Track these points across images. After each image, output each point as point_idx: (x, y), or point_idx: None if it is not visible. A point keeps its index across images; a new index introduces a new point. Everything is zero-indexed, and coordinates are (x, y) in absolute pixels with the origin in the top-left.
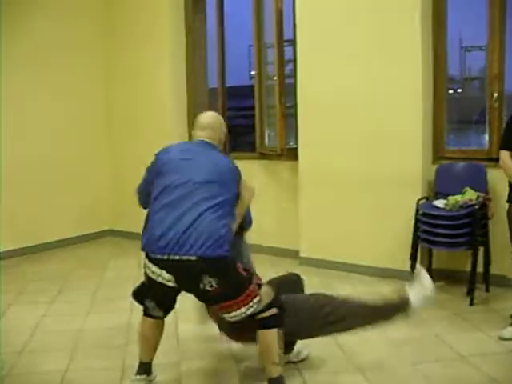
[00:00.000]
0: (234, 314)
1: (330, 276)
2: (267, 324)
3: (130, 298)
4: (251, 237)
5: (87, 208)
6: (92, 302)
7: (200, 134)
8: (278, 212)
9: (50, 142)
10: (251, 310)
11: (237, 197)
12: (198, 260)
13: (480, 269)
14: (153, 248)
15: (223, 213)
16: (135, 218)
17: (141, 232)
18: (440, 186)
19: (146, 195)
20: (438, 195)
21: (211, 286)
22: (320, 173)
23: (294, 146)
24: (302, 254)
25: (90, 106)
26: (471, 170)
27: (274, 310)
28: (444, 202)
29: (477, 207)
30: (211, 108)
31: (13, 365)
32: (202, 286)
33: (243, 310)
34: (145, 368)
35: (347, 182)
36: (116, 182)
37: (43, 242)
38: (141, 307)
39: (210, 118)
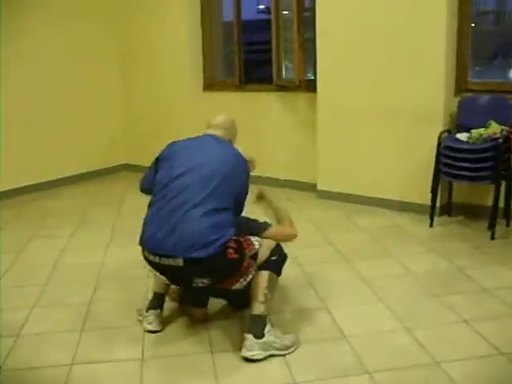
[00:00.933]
0: (234, 288)
1: (349, 209)
2: (262, 267)
3: None
4: (268, 169)
5: (102, 143)
6: (111, 236)
7: (210, 132)
8: (296, 145)
9: (65, 76)
10: (250, 276)
11: (244, 188)
12: (186, 263)
13: (501, 203)
14: (145, 247)
15: (217, 207)
16: (150, 152)
17: None
18: (462, 119)
19: (146, 182)
20: (460, 128)
21: (203, 282)
22: (339, 104)
23: (312, 77)
24: (319, 187)
25: (103, 42)
26: (495, 102)
27: (272, 258)
28: (467, 135)
29: (501, 141)
30: (225, 42)
31: (38, 296)
32: (194, 284)
33: (242, 281)
34: (157, 300)
35: (367, 115)
36: (130, 117)
37: (59, 178)
38: None
39: (221, 118)
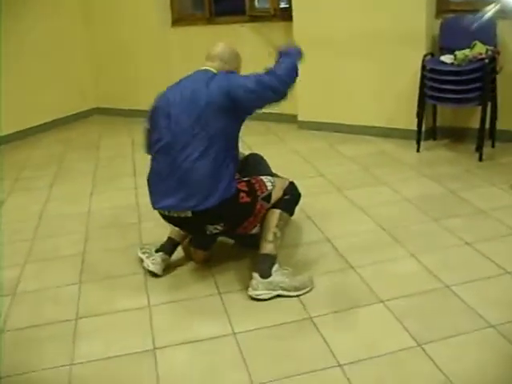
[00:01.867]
0: (252, 232)
1: (332, 138)
2: (274, 205)
3: (131, 177)
4: None
5: (70, 87)
6: (93, 183)
7: (206, 64)
8: None
9: (30, 22)
10: None
11: (237, 122)
12: (195, 215)
13: (486, 125)
14: (154, 204)
15: (214, 155)
16: (121, 94)
17: (128, 108)
18: (445, 40)
19: (148, 146)
20: (444, 51)
21: (216, 229)
22: (317, 32)
23: (287, 5)
24: (300, 118)
25: None
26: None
27: (285, 197)
28: (451, 57)
29: (487, 61)
30: None
31: (29, 252)
32: (208, 232)
33: (259, 225)
34: (170, 246)
35: (346, 41)
36: (97, 59)
37: (30, 127)
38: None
39: (217, 49)
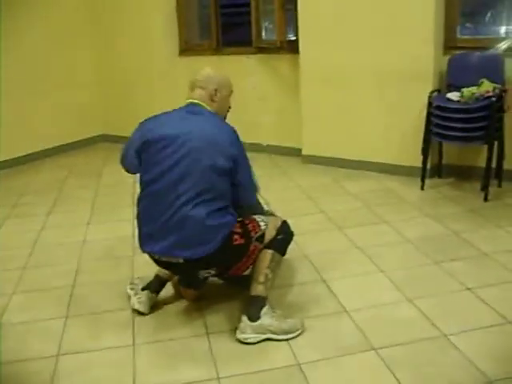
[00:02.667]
0: (244, 273)
1: (337, 174)
2: (267, 245)
3: (131, 207)
4: (251, 135)
5: (77, 114)
6: (91, 212)
7: (190, 95)
8: (279, 109)
9: (36, 48)
10: None
11: (234, 168)
12: (187, 262)
13: (492, 164)
14: (142, 246)
15: (209, 201)
16: (127, 122)
17: None
18: (453, 77)
19: (127, 161)
20: (451, 88)
21: (209, 272)
22: (323, 66)
23: (294, 38)
24: (305, 152)
25: (74, 13)
26: (487, 59)
27: (278, 236)
28: (458, 94)
29: (494, 99)
30: (201, 4)
31: (18, 281)
32: (200, 276)
33: (252, 266)
34: (157, 284)
35: (353, 76)
36: (104, 86)
37: (33, 152)
38: None
39: (202, 75)
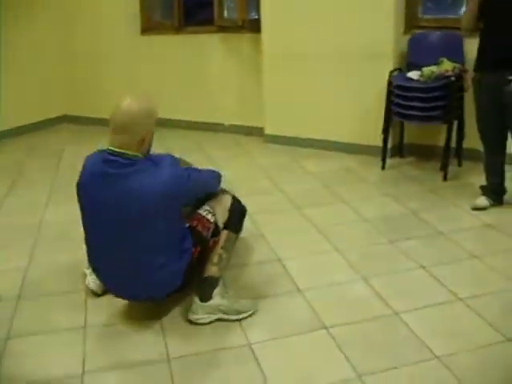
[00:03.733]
0: None
1: (298, 154)
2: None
3: None
4: (213, 115)
5: (39, 94)
6: (50, 193)
7: (113, 139)
8: (241, 88)
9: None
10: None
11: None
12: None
13: (452, 143)
14: (103, 282)
15: (160, 251)
16: (90, 102)
17: (98, 117)
18: (413, 56)
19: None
20: (411, 67)
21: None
22: (285, 45)
23: (256, 17)
24: (267, 132)
25: None
26: (447, 39)
27: (231, 216)
28: (418, 73)
29: (453, 79)
30: None
31: None
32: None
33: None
34: None
35: (314, 55)
36: (67, 65)
37: None
38: None
39: (124, 116)
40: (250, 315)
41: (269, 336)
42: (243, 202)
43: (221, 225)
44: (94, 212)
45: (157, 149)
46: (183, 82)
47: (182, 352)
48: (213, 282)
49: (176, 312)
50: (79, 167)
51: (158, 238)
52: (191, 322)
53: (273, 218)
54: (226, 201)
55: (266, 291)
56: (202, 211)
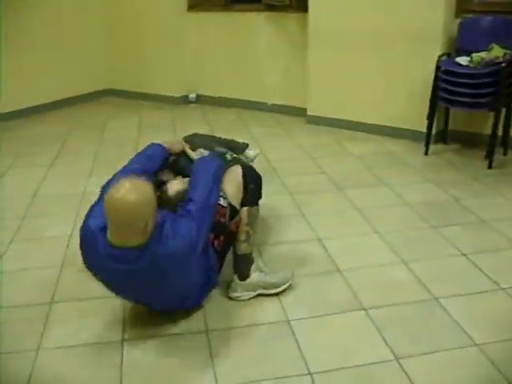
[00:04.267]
0: None
1: (340, 135)
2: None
3: None
4: (255, 93)
5: (85, 67)
6: (93, 165)
7: (114, 233)
8: (285, 68)
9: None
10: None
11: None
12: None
13: (499, 131)
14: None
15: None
16: (134, 77)
17: (141, 92)
18: (463, 41)
19: None
20: (461, 52)
21: None
22: (332, 26)
23: None
24: (309, 112)
25: None
26: (499, 24)
27: (246, 192)
28: (467, 59)
29: (503, 65)
30: None
31: (16, 230)
32: None
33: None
34: None
35: (361, 36)
36: (113, 41)
37: (39, 104)
38: None
39: (122, 212)
40: (287, 287)
41: (307, 314)
42: (285, 181)
43: (236, 204)
44: (112, 280)
45: (200, 125)
46: (228, 60)
47: (221, 326)
48: (247, 260)
49: (215, 289)
50: (122, 140)
51: (184, 284)
52: (231, 299)
53: (314, 198)
54: (236, 175)
55: (306, 270)
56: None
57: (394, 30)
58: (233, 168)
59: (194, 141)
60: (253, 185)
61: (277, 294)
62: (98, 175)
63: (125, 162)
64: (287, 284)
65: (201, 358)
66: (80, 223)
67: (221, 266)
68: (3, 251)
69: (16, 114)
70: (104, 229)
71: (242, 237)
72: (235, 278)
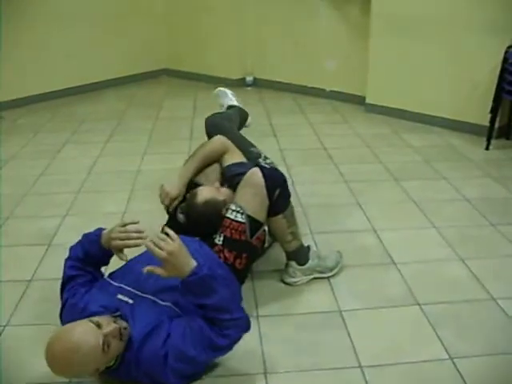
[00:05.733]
0: None
1: (399, 126)
2: (270, 212)
3: (187, 140)
4: (313, 79)
5: (141, 46)
6: (148, 143)
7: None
8: (345, 54)
9: None
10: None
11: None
12: None
13: None
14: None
15: None
16: (191, 57)
17: (196, 72)
18: None
19: None
20: None
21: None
22: (395, 12)
23: None
24: (368, 101)
25: None
26: None
27: (272, 199)
28: None
29: None
30: None
31: (71, 205)
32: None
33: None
34: None
35: (425, 24)
36: (170, 19)
37: (96, 82)
38: None
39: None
40: (338, 270)
41: (360, 305)
42: (341, 169)
43: (259, 215)
44: None
45: (256, 108)
46: (287, 44)
47: (272, 312)
48: (301, 251)
49: (267, 274)
50: (177, 120)
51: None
52: (287, 284)
53: (370, 187)
54: (256, 182)
55: (360, 260)
56: (229, 214)
57: (462, 19)
58: (250, 174)
59: (223, 129)
60: (279, 189)
61: (328, 278)
62: (153, 153)
63: (179, 142)
64: (340, 265)
65: (250, 344)
66: (132, 202)
67: (245, 278)
68: (58, 225)
69: (73, 90)
70: None
71: (288, 238)
72: (293, 263)
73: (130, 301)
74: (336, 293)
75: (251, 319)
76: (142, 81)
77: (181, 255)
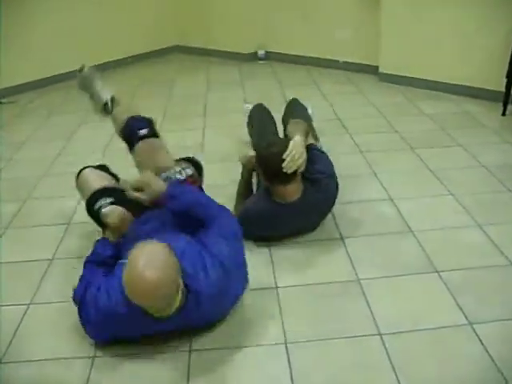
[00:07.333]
0: None
1: (413, 94)
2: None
3: (201, 117)
4: (326, 50)
5: (152, 24)
6: (162, 120)
7: (149, 308)
8: (356, 23)
9: None
10: None
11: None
12: None
13: None
14: None
15: None
16: (202, 33)
17: (208, 48)
18: None
19: None
20: None
21: None
22: None
23: None
24: (381, 70)
25: None
26: None
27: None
28: None
29: None
30: None
31: None
32: None
33: None
34: None
35: None
36: None
37: (108, 61)
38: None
39: (150, 294)
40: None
41: (378, 274)
42: (356, 139)
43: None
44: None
45: (269, 81)
46: (298, 16)
47: (291, 283)
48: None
49: (285, 246)
50: (190, 96)
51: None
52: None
53: (386, 156)
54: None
55: (377, 229)
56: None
57: None
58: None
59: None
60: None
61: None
62: (168, 130)
63: (193, 118)
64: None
65: (269, 313)
66: None
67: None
68: (75, 205)
69: None
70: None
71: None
72: None
73: None
74: (354, 262)
75: (270, 290)
76: (153, 58)
77: (155, 179)
